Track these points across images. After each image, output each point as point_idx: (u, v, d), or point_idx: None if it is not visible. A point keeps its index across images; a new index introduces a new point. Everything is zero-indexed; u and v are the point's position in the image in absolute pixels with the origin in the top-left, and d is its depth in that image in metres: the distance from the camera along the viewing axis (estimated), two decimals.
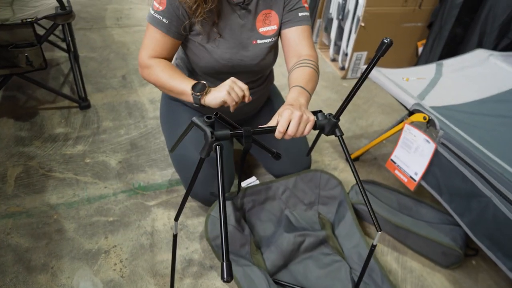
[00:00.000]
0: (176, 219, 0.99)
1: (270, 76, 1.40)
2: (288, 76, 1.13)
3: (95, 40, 2.35)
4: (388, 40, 0.71)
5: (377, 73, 1.47)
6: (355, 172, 0.89)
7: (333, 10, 2.38)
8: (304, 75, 1.07)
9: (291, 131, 0.86)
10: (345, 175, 1.63)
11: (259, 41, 1.15)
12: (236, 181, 1.51)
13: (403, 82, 1.47)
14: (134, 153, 1.59)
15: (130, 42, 2.38)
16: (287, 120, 0.86)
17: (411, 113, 1.35)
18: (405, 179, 1.37)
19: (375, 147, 1.78)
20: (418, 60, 2.32)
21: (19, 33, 1.43)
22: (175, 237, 1.05)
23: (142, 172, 1.51)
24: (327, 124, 0.90)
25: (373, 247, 0.91)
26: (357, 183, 0.92)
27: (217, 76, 1.21)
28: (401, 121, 1.40)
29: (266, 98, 1.44)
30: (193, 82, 1.01)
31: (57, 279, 1.12)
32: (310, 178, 1.40)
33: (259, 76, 1.29)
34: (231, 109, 0.99)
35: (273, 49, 1.20)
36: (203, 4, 1.01)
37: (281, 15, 1.15)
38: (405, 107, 1.44)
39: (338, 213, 1.37)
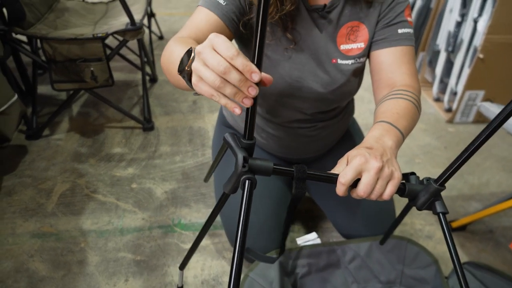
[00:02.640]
0: (181, 267, 0.75)
1: (348, 108, 1.10)
2: (375, 111, 0.80)
3: None
4: None
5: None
6: (458, 265, 0.54)
7: (441, 41, 1.99)
8: (396, 108, 0.73)
9: (362, 190, 0.55)
10: (444, 249, 1.20)
11: (339, 61, 0.87)
12: (296, 237, 1.21)
13: None
14: (184, 183, 1.41)
15: None
16: (356, 171, 0.55)
17: None
18: None
19: (492, 216, 1.31)
20: None
21: (89, 48, 1.41)
22: None
23: (186, 206, 1.31)
24: (423, 192, 0.59)
25: None
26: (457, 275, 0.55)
27: (279, 99, 0.95)
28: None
29: (341, 135, 1.13)
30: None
31: None
32: (392, 247, 1.02)
33: (334, 107, 1.00)
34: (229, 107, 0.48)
35: (357, 75, 0.91)
36: (277, 4, 0.76)
37: (372, 31, 0.85)
38: None
39: None
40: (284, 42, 0.84)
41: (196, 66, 0.46)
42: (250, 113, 0.49)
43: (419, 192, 0.61)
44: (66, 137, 1.64)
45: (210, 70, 0.44)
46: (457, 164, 0.58)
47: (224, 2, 0.77)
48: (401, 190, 0.62)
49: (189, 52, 0.51)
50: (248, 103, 0.46)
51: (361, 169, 0.55)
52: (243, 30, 0.82)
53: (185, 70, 0.51)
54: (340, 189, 0.56)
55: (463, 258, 1.16)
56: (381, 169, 0.56)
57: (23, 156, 1.51)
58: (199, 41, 0.69)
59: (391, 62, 0.84)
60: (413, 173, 0.64)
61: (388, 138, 0.65)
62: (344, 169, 0.56)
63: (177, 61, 0.56)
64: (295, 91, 0.89)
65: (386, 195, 0.57)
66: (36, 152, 1.54)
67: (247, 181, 0.51)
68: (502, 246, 1.21)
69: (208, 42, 0.45)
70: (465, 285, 0.55)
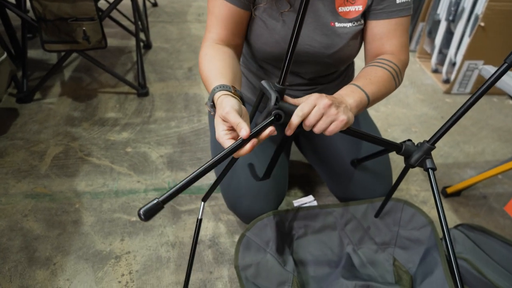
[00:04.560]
0: (204, 199, 0.77)
1: (347, 72, 1.08)
2: None
3: (171, 32, 2.28)
4: None
5: (506, 77, 1.04)
6: (442, 215, 0.67)
7: (442, 10, 1.95)
8: (370, 75, 0.77)
9: (309, 120, 0.64)
10: None
11: (337, 24, 0.84)
12: (292, 200, 1.21)
13: None
14: (179, 148, 1.39)
15: None
16: (311, 105, 0.63)
17: None
18: None
19: (485, 182, 1.32)
20: None
21: (81, 7, 1.35)
22: (199, 221, 0.81)
23: (182, 170, 1.30)
24: (416, 151, 0.71)
25: None
26: (443, 232, 0.67)
27: (276, 63, 0.93)
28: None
29: None
30: (219, 83, 0.69)
31: (56, 279, 0.94)
32: (388, 209, 1.03)
33: (332, 71, 0.98)
34: None
35: (356, 38, 0.88)
36: None
37: None
38: None
39: (424, 265, 0.97)
40: (280, 4, 0.81)
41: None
42: (287, 60, 0.60)
43: (414, 151, 0.71)
44: (58, 101, 1.60)
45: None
46: (448, 125, 0.68)
47: None
48: (398, 148, 0.72)
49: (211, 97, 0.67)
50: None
51: (314, 103, 0.63)
52: (246, 1, 0.81)
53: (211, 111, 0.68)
54: (295, 120, 0.63)
55: (457, 222, 1.18)
56: (329, 107, 0.63)
57: (14, 119, 1.47)
58: (226, 37, 0.83)
59: (384, 34, 0.84)
60: (409, 140, 0.74)
61: (351, 97, 0.70)
62: (302, 104, 0.63)
63: (208, 84, 0.72)
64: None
65: (330, 130, 0.64)
66: (27, 115, 1.50)
67: (278, 115, 0.60)
68: (495, 211, 1.23)
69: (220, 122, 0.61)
70: (445, 223, 0.66)
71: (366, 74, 0.78)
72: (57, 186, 1.20)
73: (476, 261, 0.94)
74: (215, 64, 0.76)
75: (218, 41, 0.83)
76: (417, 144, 0.73)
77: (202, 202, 0.80)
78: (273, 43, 0.85)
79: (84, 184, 1.21)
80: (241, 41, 0.88)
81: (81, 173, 1.25)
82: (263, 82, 0.64)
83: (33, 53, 1.92)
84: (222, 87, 0.67)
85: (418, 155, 0.71)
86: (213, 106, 0.67)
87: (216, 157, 0.58)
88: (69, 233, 1.06)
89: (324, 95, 0.65)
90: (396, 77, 0.81)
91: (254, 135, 0.59)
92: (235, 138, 0.61)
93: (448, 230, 0.66)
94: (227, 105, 0.61)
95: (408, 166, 0.76)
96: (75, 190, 1.19)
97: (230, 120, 0.59)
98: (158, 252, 1.03)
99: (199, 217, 0.81)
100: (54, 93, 1.65)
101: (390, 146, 0.75)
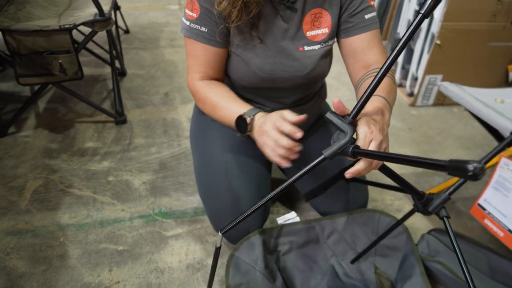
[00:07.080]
0: (222, 232, 0.77)
1: (321, 91, 1.16)
2: (356, 92, 0.89)
3: (145, 59, 2.32)
4: None
5: (461, 92, 1.15)
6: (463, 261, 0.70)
7: (402, 29, 2.10)
8: (383, 84, 0.82)
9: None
10: (413, 220, 1.28)
11: (306, 48, 0.92)
12: (276, 218, 1.25)
13: (496, 104, 1.13)
14: (161, 174, 1.41)
15: (179, 61, 2.31)
16: (368, 140, 0.66)
17: (510, 143, 1.00)
18: (500, 233, 1.00)
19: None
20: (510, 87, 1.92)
21: (56, 40, 1.37)
22: (217, 249, 0.82)
23: (166, 196, 1.31)
24: (435, 199, 0.74)
25: None
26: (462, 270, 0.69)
27: (257, 92, 1.00)
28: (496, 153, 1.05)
29: (315, 118, 1.19)
30: (241, 111, 0.85)
31: None
32: (366, 220, 1.09)
33: (308, 93, 1.06)
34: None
35: (326, 57, 0.96)
36: (243, 10, 0.81)
37: (336, 17, 0.91)
38: (495, 137, 1.09)
39: (402, 270, 1.03)
40: (254, 38, 0.89)
41: (270, 147, 0.77)
42: (365, 97, 0.64)
43: (432, 200, 0.75)
44: (34, 134, 1.58)
45: (282, 148, 0.74)
46: (459, 183, 0.79)
47: (205, 29, 0.86)
48: (420, 196, 0.75)
49: (243, 119, 0.82)
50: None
51: (370, 138, 0.66)
52: (219, 40, 0.88)
53: (245, 134, 0.83)
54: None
55: (429, 226, 1.26)
56: (380, 144, 0.67)
57: None
58: (212, 75, 0.93)
59: (364, 47, 0.91)
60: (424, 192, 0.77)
61: (387, 112, 0.75)
62: (360, 138, 0.66)
63: (227, 116, 0.87)
64: (270, 83, 0.95)
65: (373, 167, 0.68)
66: (2, 150, 1.48)
67: (354, 150, 0.62)
68: (463, 214, 1.32)
69: (273, 125, 0.75)
70: (469, 275, 0.68)
71: (380, 84, 0.84)
72: (39, 221, 1.19)
73: (449, 263, 1.01)
74: (223, 93, 0.90)
75: (205, 78, 0.92)
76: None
77: (221, 234, 0.80)
78: (251, 74, 0.93)
79: (67, 217, 1.21)
80: (223, 75, 0.97)
81: (63, 206, 1.25)
82: (330, 115, 0.65)
83: (4, 85, 1.90)
84: (257, 109, 0.83)
85: (437, 203, 0.74)
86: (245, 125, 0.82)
87: (301, 172, 0.68)
88: (55, 268, 1.05)
89: (372, 124, 0.67)
90: (395, 81, 0.88)
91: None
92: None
93: (469, 274, 0.68)
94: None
95: (422, 213, 0.78)
96: (58, 224, 1.18)
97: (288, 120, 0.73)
98: (148, 279, 1.03)
99: (217, 245, 0.82)
100: (29, 125, 1.63)
101: (412, 191, 0.76)
